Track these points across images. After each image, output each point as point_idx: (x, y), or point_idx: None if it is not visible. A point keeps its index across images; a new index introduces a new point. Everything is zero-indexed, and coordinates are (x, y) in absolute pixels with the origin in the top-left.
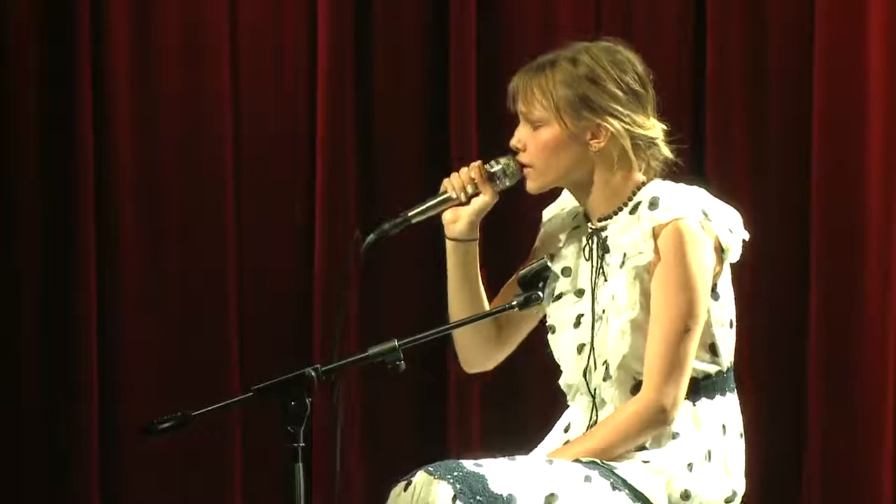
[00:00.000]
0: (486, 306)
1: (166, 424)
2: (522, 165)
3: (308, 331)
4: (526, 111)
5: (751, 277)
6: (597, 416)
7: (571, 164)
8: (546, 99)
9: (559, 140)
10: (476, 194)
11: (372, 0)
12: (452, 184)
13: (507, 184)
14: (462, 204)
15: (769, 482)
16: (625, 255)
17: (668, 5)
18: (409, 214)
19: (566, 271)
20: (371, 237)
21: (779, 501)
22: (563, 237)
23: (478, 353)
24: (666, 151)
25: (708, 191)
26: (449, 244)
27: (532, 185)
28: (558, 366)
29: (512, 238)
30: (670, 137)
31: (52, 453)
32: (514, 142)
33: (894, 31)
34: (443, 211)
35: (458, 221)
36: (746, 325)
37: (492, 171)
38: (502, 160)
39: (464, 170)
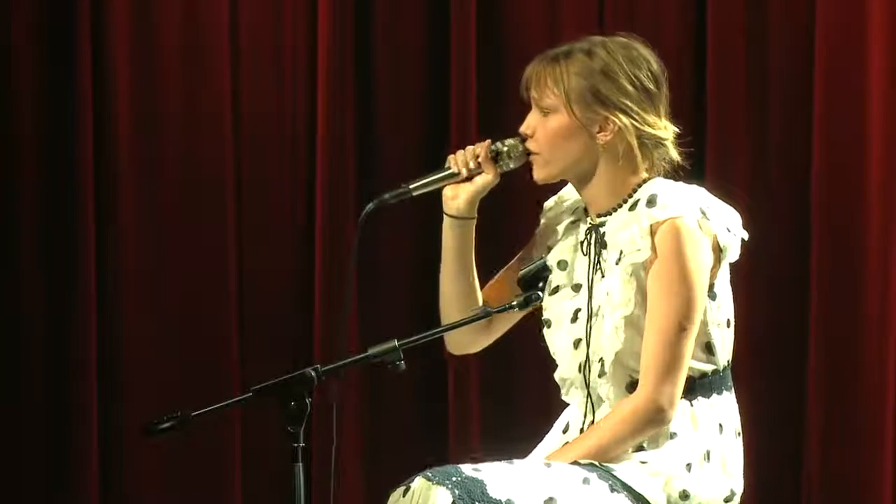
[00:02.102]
0: (478, 288)
1: (166, 424)
2: (529, 152)
3: (308, 331)
4: (537, 97)
5: (751, 277)
6: (593, 412)
7: (577, 155)
8: (558, 87)
9: (567, 129)
10: (478, 172)
11: (372, 0)
12: (456, 160)
13: (511, 166)
14: (464, 180)
15: (768, 482)
16: (621, 251)
17: (669, 6)
18: (411, 186)
19: (562, 265)
20: (370, 205)
21: (778, 501)
22: (560, 230)
23: (464, 340)
24: (674, 154)
25: (708, 190)
26: (446, 221)
27: (538, 174)
28: (553, 360)
29: (508, 230)
30: (680, 140)
31: (53, 453)
32: (523, 128)
33: (894, 31)
34: (444, 186)
35: (457, 198)
36: (746, 325)
37: (496, 151)
38: (508, 142)
39: (469, 147)
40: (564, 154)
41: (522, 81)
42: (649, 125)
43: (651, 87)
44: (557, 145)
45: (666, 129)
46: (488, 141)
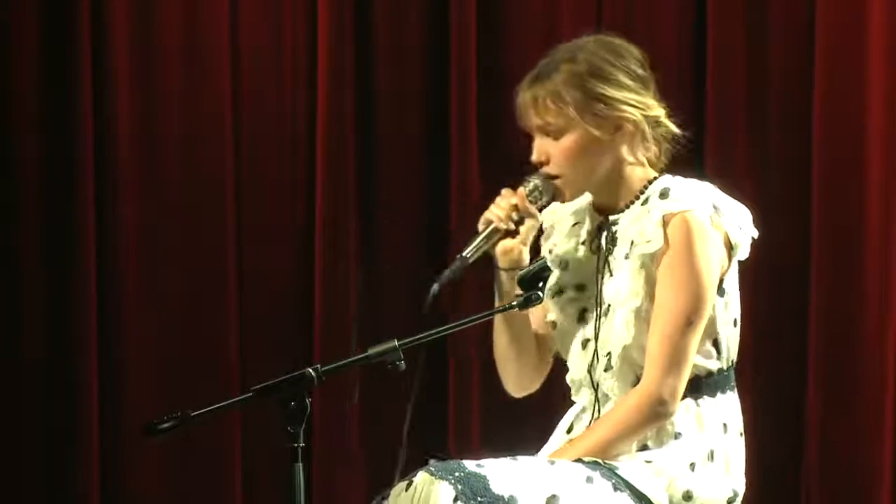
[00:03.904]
0: (529, 329)
1: (166, 424)
2: (551, 177)
3: (308, 331)
4: (542, 123)
5: (751, 276)
6: (600, 411)
7: (598, 164)
8: (561, 106)
9: (585, 143)
10: (521, 220)
11: (372, 0)
12: (497, 216)
13: (547, 200)
14: (509, 233)
15: (769, 481)
16: (632, 242)
17: (668, 6)
18: (466, 255)
19: (565, 265)
20: (435, 288)
21: (778, 500)
22: (563, 232)
23: (525, 378)
24: (672, 127)
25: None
26: (502, 275)
27: (567, 195)
28: (563, 361)
29: None
30: (672, 116)
31: (53, 453)
32: (536, 156)
33: (894, 31)
34: (494, 244)
35: (511, 251)
36: (747, 324)
37: (529, 194)
38: (532, 180)
39: (501, 199)
40: (588, 167)
41: (518, 111)
42: (652, 109)
43: (642, 72)
44: (579, 163)
45: (659, 108)
46: (520, 189)
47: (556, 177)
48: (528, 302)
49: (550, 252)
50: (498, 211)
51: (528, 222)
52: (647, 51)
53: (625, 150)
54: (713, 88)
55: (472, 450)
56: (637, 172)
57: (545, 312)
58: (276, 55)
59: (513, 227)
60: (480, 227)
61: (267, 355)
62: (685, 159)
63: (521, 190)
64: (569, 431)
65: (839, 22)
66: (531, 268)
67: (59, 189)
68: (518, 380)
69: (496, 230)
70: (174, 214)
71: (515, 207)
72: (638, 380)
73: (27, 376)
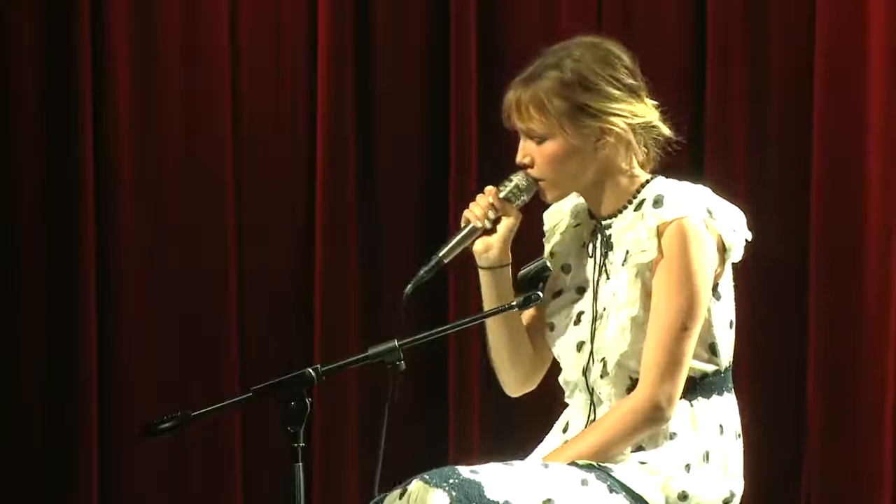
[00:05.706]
0: (524, 329)
1: (166, 425)
2: (535, 179)
3: (308, 331)
4: (525, 128)
5: (751, 278)
6: (594, 413)
7: (582, 170)
8: (543, 114)
9: (566, 151)
10: (499, 219)
11: (372, 0)
12: (474, 213)
13: (526, 199)
14: (488, 231)
15: (769, 482)
16: (627, 252)
17: (668, 6)
18: (441, 255)
19: (566, 268)
20: (409, 287)
21: (778, 501)
22: (562, 233)
23: (521, 377)
24: (664, 129)
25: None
26: (483, 274)
27: (550, 197)
28: (557, 362)
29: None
30: (667, 118)
31: (52, 453)
32: (520, 158)
33: (894, 31)
34: (472, 243)
35: (490, 250)
36: (747, 326)
37: (508, 192)
38: (514, 178)
39: (480, 198)
40: (569, 173)
41: (503, 112)
42: (640, 116)
43: (631, 81)
44: (560, 168)
45: (652, 111)
46: (494, 188)
47: (540, 179)
48: (528, 302)
49: (552, 254)
50: (476, 209)
51: (506, 220)
52: (647, 50)
53: (610, 157)
54: (713, 88)
55: (472, 450)
56: (626, 176)
57: (542, 312)
58: (276, 55)
59: (489, 225)
60: (462, 224)
61: (267, 355)
62: (684, 160)
63: (493, 188)
64: (564, 431)
65: (839, 22)
66: (531, 268)
67: (59, 189)
68: (514, 379)
69: (473, 229)
70: (174, 215)
71: (493, 206)
72: (633, 385)
73: (27, 376)
